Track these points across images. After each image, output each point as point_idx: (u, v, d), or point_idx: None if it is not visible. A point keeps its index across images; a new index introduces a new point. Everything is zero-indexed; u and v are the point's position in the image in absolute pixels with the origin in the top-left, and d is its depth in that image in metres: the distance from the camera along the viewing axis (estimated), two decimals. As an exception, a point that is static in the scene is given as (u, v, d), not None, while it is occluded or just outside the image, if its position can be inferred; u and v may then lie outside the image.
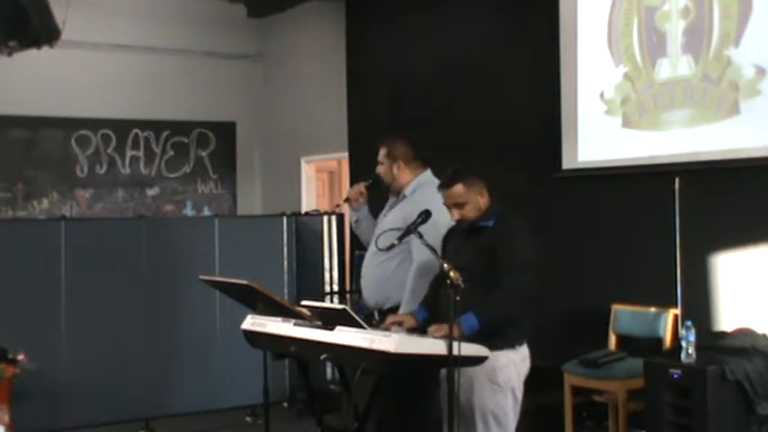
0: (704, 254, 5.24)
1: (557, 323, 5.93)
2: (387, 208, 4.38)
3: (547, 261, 3.89)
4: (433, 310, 3.79)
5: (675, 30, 5.41)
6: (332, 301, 6.73)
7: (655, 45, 5.54)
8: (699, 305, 5.20)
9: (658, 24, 5.51)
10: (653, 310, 5.38)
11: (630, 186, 5.73)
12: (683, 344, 4.63)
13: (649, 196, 5.58)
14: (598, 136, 5.90)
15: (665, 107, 5.50)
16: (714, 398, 4.45)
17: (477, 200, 3.75)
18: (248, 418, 6.55)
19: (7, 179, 8.66)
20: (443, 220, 3.88)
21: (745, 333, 4.87)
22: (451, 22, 7.14)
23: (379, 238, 4.00)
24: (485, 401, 3.67)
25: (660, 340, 5.29)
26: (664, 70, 5.49)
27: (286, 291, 6.70)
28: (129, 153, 9.24)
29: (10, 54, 6.54)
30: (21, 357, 5.36)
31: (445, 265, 3.38)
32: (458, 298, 3.29)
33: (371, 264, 4.26)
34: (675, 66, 5.42)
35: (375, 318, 4.13)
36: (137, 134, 9.27)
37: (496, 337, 3.60)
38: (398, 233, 3.80)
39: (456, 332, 3.30)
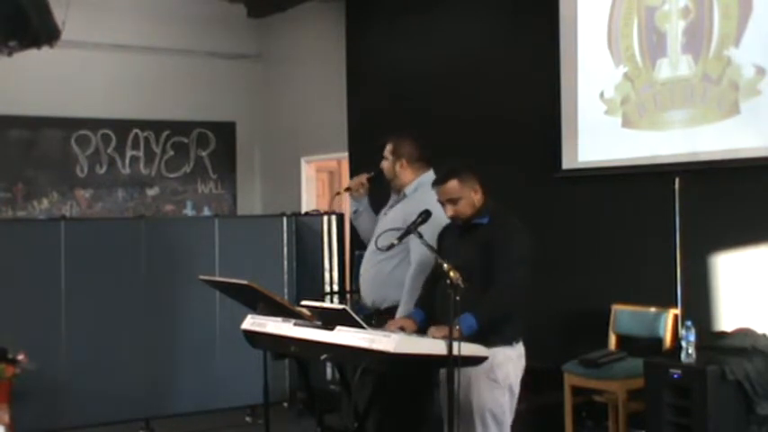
0: (704, 254, 5.24)
1: (557, 323, 5.93)
2: (388, 206, 4.39)
3: (542, 259, 3.88)
4: (429, 309, 3.80)
5: (675, 30, 5.41)
6: (332, 301, 6.73)
7: (655, 45, 5.54)
8: (699, 305, 5.20)
9: (658, 24, 5.51)
10: (653, 310, 5.38)
11: (630, 186, 5.74)
12: (683, 344, 4.63)
13: (649, 196, 5.58)
14: (598, 136, 5.90)
15: (665, 107, 5.50)
16: (714, 398, 4.45)
17: (471, 196, 3.76)
18: (248, 418, 6.55)
19: (7, 179, 8.66)
20: (443, 220, 3.88)
21: (745, 333, 4.87)
22: (451, 22, 7.14)
23: (378, 237, 4.01)
24: (483, 399, 3.67)
25: (660, 340, 5.29)
26: (664, 70, 5.49)
27: (286, 291, 6.69)
28: (129, 153, 9.24)
29: (10, 54, 6.55)
30: (21, 357, 5.36)
31: (445, 265, 3.38)
32: (458, 298, 3.29)
33: (370, 262, 4.27)
34: (675, 66, 5.42)
35: (374, 319, 4.12)
36: (137, 134, 9.27)
37: (494, 334, 3.61)
38: (398, 233, 3.80)
39: (451, 332, 3.30)
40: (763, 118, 4.99)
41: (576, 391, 5.36)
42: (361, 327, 3.39)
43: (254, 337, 3.98)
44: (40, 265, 5.98)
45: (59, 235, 6.03)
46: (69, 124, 8.88)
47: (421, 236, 3.72)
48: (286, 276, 6.81)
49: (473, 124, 6.81)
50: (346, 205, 4.74)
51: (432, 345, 3.38)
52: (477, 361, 3.49)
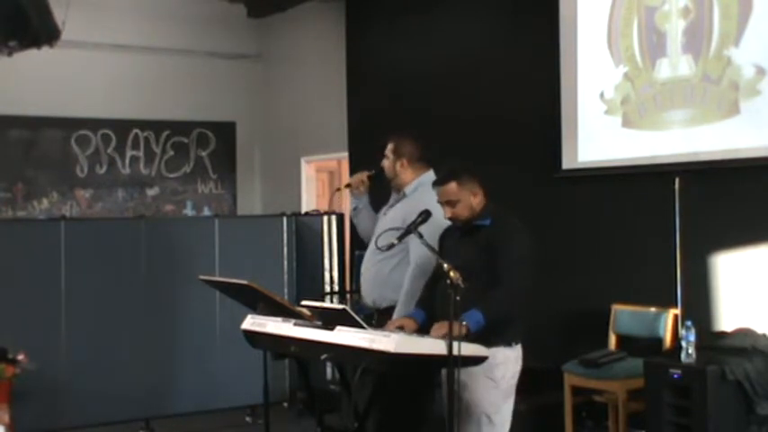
0: (704, 254, 5.24)
1: (557, 323, 5.93)
2: (388, 206, 4.39)
3: (544, 259, 3.89)
4: (430, 310, 3.80)
5: (675, 30, 5.41)
6: (332, 301, 6.73)
7: (655, 45, 5.54)
8: (699, 305, 5.20)
9: (658, 24, 5.51)
10: (653, 310, 5.38)
11: (630, 186, 5.74)
12: (683, 344, 4.63)
13: (649, 196, 5.58)
14: (598, 136, 5.90)
15: (665, 107, 5.50)
16: (714, 398, 4.45)
17: (469, 199, 3.77)
18: (248, 418, 6.55)
19: (7, 179, 8.66)
20: (443, 220, 3.88)
21: (745, 333, 4.87)
22: (451, 22, 7.14)
23: (379, 237, 4.01)
24: (479, 397, 3.68)
25: (660, 340, 5.29)
26: (664, 70, 5.49)
27: (286, 291, 6.69)
28: (129, 153, 9.24)
29: (10, 54, 6.56)
30: (21, 357, 5.36)
31: (445, 265, 3.38)
32: (458, 298, 3.29)
33: (370, 262, 4.27)
34: (675, 66, 5.42)
35: (374, 319, 4.12)
36: (137, 134, 9.27)
37: (494, 335, 3.61)
38: (398, 232, 3.80)
39: (457, 331, 3.30)
40: (763, 118, 4.99)
41: (576, 391, 5.36)
42: (362, 327, 3.39)
43: (254, 337, 3.98)
44: (40, 265, 5.98)
45: (59, 235, 6.03)
46: (69, 124, 8.88)
47: (421, 236, 3.72)
48: (286, 276, 6.81)
49: (473, 124, 6.81)
50: (346, 205, 4.75)
51: (432, 345, 3.38)
52: (477, 361, 3.50)
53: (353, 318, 3.41)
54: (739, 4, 5.09)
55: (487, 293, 3.57)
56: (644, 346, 5.32)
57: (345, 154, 8.42)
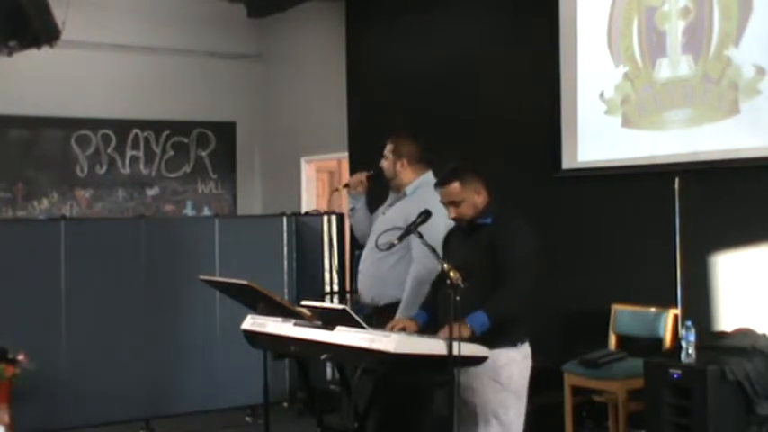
0: (704, 254, 5.23)
1: (557, 323, 5.92)
2: (386, 205, 4.39)
3: (546, 259, 3.89)
4: (433, 312, 3.80)
5: (675, 30, 5.41)
6: (332, 301, 6.73)
7: (654, 45, 5.54)
8: (699, 305, 5.19)
9: (658, 24, 5.51)
10: (653, 310, 5.37)
11: (630, 186, 5.73)
12: (683, 344, 4.63)
13: (649, 196, 5.58)
14: (598, 136, 5.90)
15: (665, 107, 5.50)
16: (714, 398, 4.45)
17: (473, 198, 3.76)
18: (248, 418, 6.55)
19: (7, 179, 8.66)
20: (443, 221, 3.88)
21: (745, 333, 4.86)
22: (451, 22, 7.14)
23: (379, 236, 4.00)
24: (486, 400, 3.67)
25: (660, 340, 5.29)
26: (664, 70, 5.49)
27: (286, 291, 6.70)
28: (129, 153, 9.24)
29: (10, 54, 6.56)
30: (21, 357, 5.37)
31: (445, 265, 3.38)
32: (458, 298, 3.29)
33: (369, 260, 4.27)
34: (675, 66, 5.42)
35: (374, 319, 4.12)
36: (137, 134, 9.27)
37: (498, 336, 3.59)
38: (398, 232, 3.80)
39: (460, 332, 3.30)
40: (763, 118, 4.99)
41: (576, 391, 5.36)
42: (362, 327, 3.39)
43: (254, 337, 3.98)
44: (40, 265, 5.98)
45: (59, 235, 6.03)
46: (69, 124, 8.88)
47: (421, 236, 3.72)
48: (286, 276, 6.81)
49: (473, 124, 6.81)
50: (346, 205, 4.75)
51: (432, 345, 3.38)
52: (477, 361, 3.49)
53: (353, 318, 3.41)
54: (739, 5, 5.09)
55: (491, 294, 3.56)
56: (644, 346, 5.32)
57: (345, 154, 8.42)
